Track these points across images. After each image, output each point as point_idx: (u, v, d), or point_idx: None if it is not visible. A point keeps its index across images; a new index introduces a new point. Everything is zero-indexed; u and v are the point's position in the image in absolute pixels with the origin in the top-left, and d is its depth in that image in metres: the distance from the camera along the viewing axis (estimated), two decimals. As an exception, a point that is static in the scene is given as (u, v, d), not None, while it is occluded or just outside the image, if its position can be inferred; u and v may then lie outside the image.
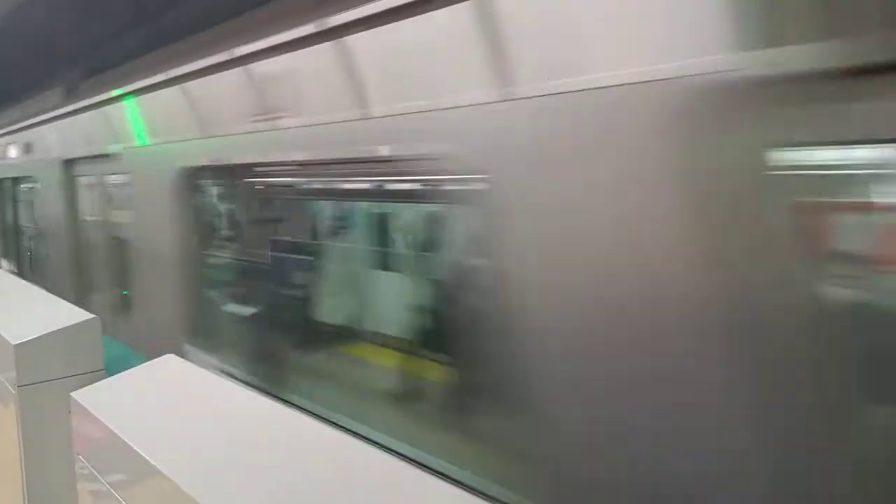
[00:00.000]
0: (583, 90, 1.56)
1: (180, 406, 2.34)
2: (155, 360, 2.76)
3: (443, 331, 2.33)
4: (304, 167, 2.78)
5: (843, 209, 1.37)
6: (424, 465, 2.10)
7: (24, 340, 3.23)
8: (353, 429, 2.50)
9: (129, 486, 2.15)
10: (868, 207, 1.34)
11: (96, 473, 2.33)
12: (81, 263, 5.36)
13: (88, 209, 5.22)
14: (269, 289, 3.34)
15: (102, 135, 4.48)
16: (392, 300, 2.77)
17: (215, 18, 3.43)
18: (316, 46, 2.52)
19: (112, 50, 4.48)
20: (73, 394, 2.54)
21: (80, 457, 2.46)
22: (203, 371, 2.64)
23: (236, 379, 3.06)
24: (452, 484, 1.76)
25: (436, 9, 1.96)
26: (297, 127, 2.59)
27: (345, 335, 2.99)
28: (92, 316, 3.39)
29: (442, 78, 1.94)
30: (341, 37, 2.43)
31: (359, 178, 2.61)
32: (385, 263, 2.95)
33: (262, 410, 2.23)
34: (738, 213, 1.35)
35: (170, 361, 2.76)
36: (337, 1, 2.43)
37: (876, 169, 1.29)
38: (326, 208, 3.13)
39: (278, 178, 3.18)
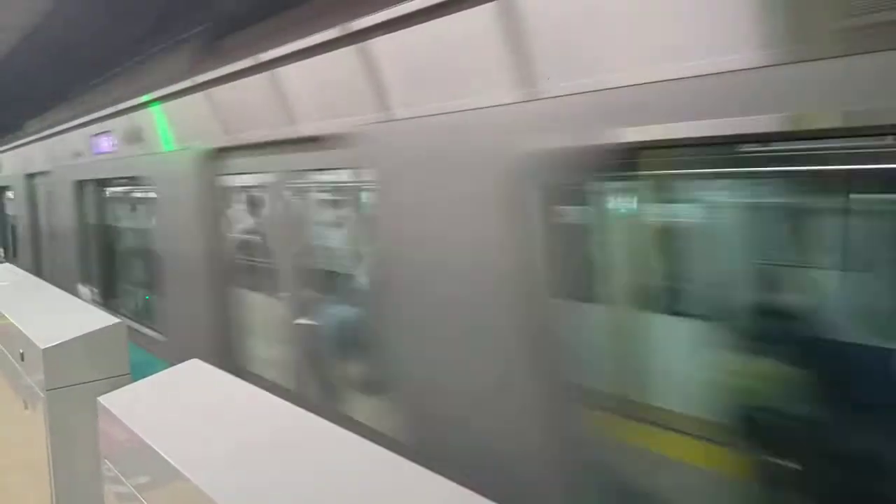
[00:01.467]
0: None
1: (205, 411, 2.35)
2: (180, 364, 2.78)
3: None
4: None
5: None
6: None
7: (52, 344, 3.27)
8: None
9: (154, 490, 2.16)
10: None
11: (122, 477, 2.35)
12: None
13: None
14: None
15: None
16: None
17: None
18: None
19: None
20: (100, 398, 2.57)
21: (107, 460, 2.49)
22: (228, 376, 2.65)
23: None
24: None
25: None
26: None
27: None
28: (118, 320, 3.44)
29: None
30: (364, 41, 2.43)
31: None
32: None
33: (286, 416, 2.23)
34: None
35: (195, 367, 2.78)
36: (360, 4, 2.43)
37: None
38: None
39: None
